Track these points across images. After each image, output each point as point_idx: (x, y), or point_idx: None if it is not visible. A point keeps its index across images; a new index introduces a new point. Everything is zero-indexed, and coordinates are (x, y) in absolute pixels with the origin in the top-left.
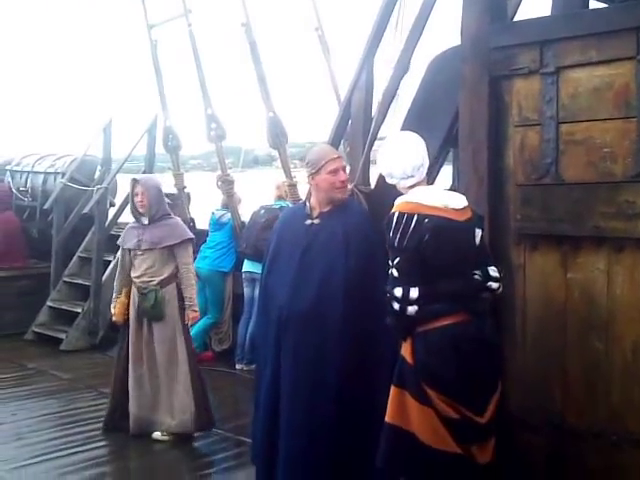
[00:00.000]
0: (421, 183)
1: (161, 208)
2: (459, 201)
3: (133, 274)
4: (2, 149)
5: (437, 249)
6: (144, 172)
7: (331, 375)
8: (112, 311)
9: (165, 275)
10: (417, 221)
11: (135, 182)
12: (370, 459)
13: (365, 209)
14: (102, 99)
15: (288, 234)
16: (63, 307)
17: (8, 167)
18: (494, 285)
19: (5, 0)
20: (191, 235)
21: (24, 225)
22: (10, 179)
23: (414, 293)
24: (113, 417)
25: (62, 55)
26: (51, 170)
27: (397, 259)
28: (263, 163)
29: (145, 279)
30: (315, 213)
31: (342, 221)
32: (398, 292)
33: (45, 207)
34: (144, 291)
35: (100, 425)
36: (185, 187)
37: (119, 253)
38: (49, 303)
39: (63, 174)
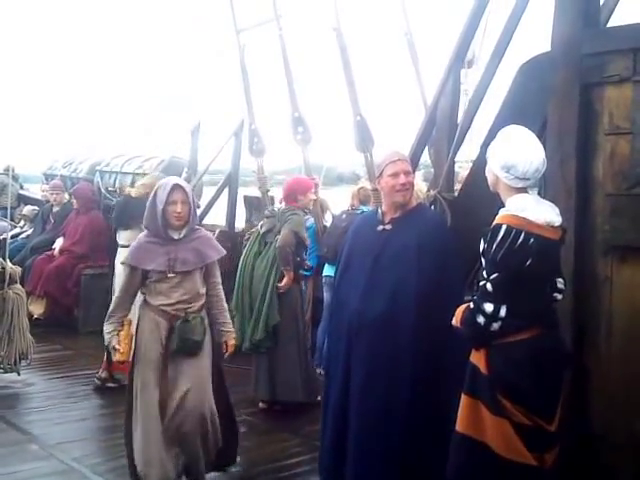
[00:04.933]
0: (525, 190)
1: (196, 220)
2: (558, 218)
3: (160, 302)
4: (93, 150)
5: (536, 272)
6: (229, 174)
7: (403, 382)
8: (115, 347)
9: (203, 299)
10: (524, 239)
11: (177, 187)
12: (438, 463)
13: (442, 217)
14: (191, 102)
15: (360, 240)
16: None
17: (98, 168)
18: (559, 297)
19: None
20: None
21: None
22: (99, 179)
23: (503, 311)
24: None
25: (152, 57)
26: (139, 171)
27: (496, 275)
28: (348, 181)
29: (181, 306)
30: (387, 219)
31: (415, 229)
32: (489, 308)
33: None
34: (187, 319)
35: None
36: (269, 190)
37: (124, 272)
38: None
39: None
